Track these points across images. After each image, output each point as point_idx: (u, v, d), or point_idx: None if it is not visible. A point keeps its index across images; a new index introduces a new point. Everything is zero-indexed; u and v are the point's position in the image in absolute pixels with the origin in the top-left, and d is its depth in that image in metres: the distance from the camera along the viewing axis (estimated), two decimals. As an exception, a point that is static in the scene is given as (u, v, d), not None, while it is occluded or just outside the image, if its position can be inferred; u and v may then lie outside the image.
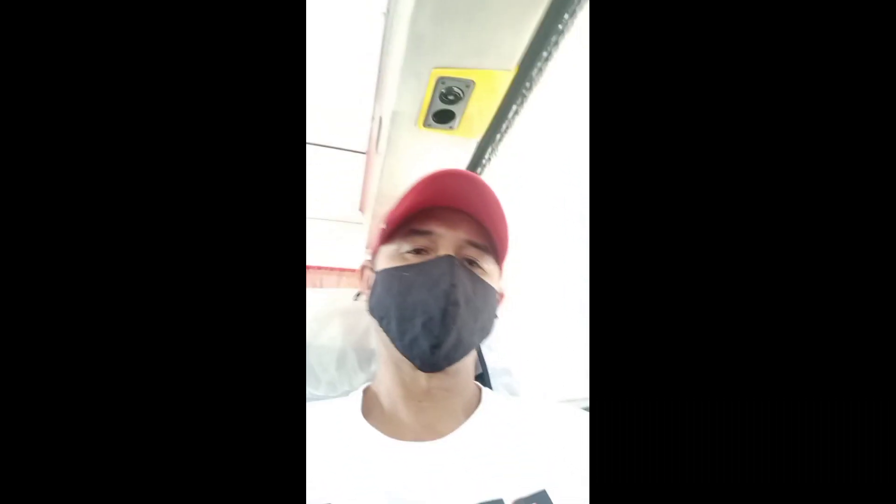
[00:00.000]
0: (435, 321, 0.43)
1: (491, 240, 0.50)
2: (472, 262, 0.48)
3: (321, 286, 1.06)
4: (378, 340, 0.51)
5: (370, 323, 0.67)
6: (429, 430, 0.45)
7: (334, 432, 0.45)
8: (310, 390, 0.62)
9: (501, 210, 0.48)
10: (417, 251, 0.48)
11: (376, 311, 0.49)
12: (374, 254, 0.53)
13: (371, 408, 0.48)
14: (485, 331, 0.49)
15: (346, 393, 0.53)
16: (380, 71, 0.70)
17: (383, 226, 0.51)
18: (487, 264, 0.49)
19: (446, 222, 0.48)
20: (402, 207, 0.48)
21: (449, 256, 0.46)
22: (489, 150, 0.70)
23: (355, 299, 0.64)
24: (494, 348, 0.65)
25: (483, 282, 0.48)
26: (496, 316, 0.51)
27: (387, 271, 0.49)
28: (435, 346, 0.43)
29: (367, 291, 0.52)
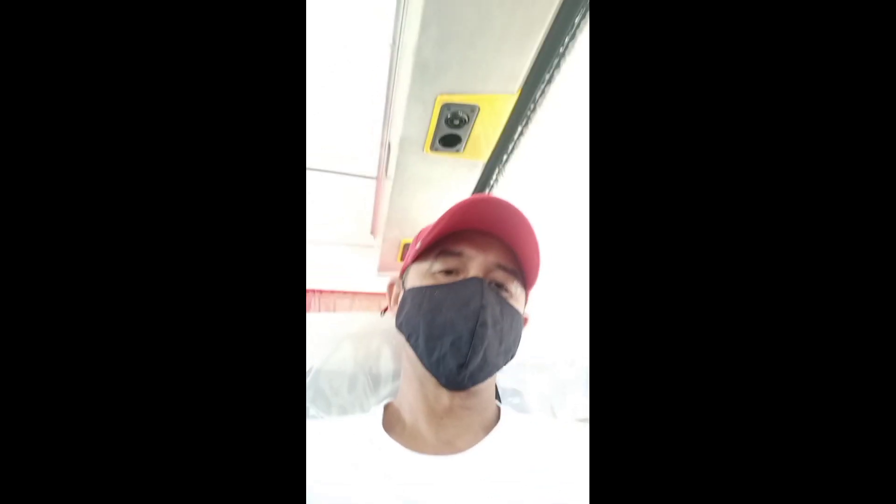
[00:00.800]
0: (463, 341, 0.44)
1: (519, 265, 0.51)
2: (500, 286, 0.49)
3: (335, 309, 1.07)
4: (404, 357, 0.51)
5: (380, 346, 0.68)
6: (448, 445, 0.46)
7: (355, 445, 0.46)
8: (321, 414, 0.62)
9: (534, 237, 0.49)
10: (448, 272, 0.49)
11: (405, 327, 0.49)
12: (404, 271, 0.54)
13: (392, 423, 0.49)
14: (509, 353, 0.50)
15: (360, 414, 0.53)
16: (388, 99, 0.72)
17: (417, 245, 0.52)
18: (515, 288, 0.50)
19: (477, 245, 0.49)
20: (437, 229, 0.49)
21: (479, 278, 0.47)
22: (496, 171, 0.71)
23: (382, 315, 0.64)
24: (504, 369, 0.64)
25: (510, 305, 0.49)
26: (520, 340, 0.51)
27: (417, 289, 0.50)
28: (461, 366, 0.44)
29: (395, 308, 0.53)
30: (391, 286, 0.56)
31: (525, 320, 0.53)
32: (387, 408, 0.51)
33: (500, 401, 0.65)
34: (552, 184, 0.76)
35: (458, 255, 0.49)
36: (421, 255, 0.51)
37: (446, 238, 0.50)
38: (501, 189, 0.73)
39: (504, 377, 0.66)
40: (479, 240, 0.50)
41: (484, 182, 0.72)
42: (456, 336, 0.44)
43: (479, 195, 0.49)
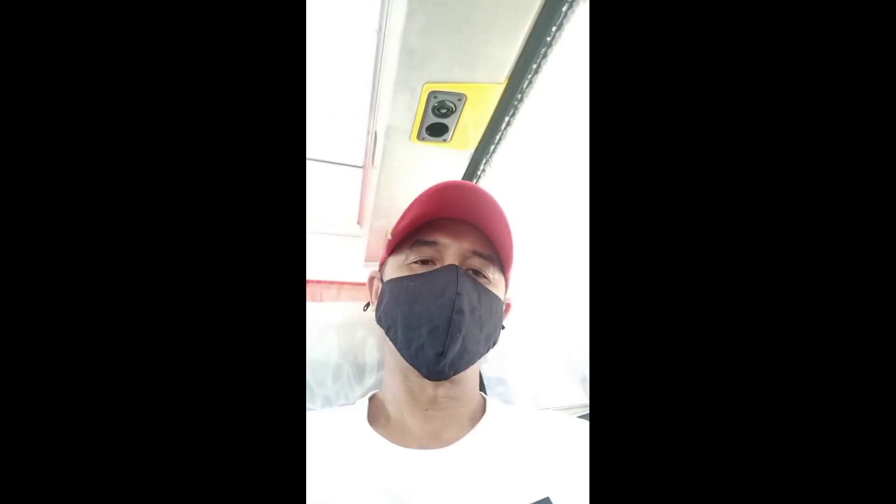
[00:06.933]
0: (440, 329, 0.44)
1: (495, 250, 0.51)
2: (476, 272, 0.49)
3: (321, 300, 1.06)
4: (386, 350, 0.51)
5: (365, 336, 0.68)
6: (435, 438, 0.46)
7: (340, 440, 0.45)
8: (306, 406, 0.62)
9: (505, 221, 0.49)
10: (423, 261, 0.49)
11: (384, 320, 0.49)
12: (382, 264, 0.54)
13: (377, 416, 0.49)
14: (490, 339, 0.50)
15: (345, 406, 0.53)
16: (374, 87, 0.71)
17: (390, 237, 0.51)
18: (492, 274, 0.50)
19: (451, 233, 0.49)
20: (408, 219, 0.48)
21: (453, 266, 0.47)
22: (483, 161, 0.70)
23: (365, 310, 0.64)
24: (488, 358, 0.64)
25: (488, 291, 0.49)
26: (502, 326, 0.51)
27: (393, 281, 0.49)
28: (440, 354, 0.44)
29: (376, 301, 0.52)
30: (371, 280, 0.56)
31: (507, 306, 0.53)
32: (371, 400, 0.51)
33: (485, 392, 0.65)
34: (540, 174, 0.76)
35: (433, 244, 0.49)
36: (397, 247, 0.51)
37: (421, 228, 0.50)
38: (489, 180, 0.73)
39: (488, 366, 0.67)
40: (453, 227, 0.50)
41: (471, 172, 0.71)
42: (433, 325, 0.44)
43: (446, 182, 0.49)
